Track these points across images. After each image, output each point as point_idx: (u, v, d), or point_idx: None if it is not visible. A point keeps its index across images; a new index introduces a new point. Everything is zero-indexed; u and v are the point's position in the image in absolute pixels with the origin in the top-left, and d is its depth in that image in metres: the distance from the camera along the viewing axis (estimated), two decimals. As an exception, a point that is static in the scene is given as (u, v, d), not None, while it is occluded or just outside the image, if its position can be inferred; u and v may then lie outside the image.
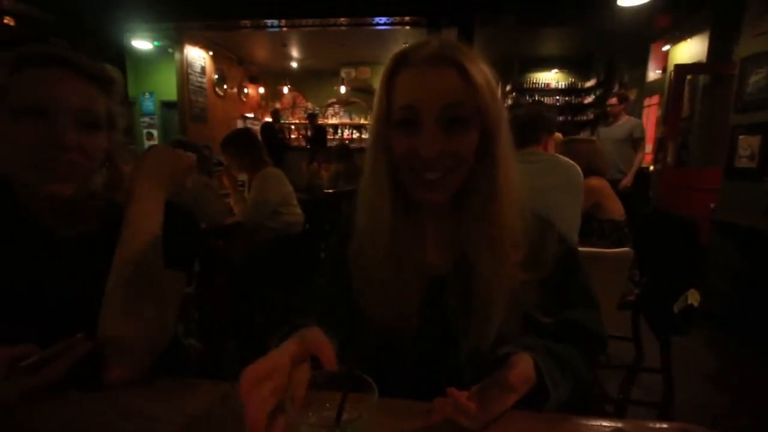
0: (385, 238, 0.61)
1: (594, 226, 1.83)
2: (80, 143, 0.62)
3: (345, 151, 3.88)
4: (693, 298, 1.47)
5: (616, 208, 1.87)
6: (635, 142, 3.81)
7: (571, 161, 1.51)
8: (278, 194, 2.25)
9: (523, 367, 0.51)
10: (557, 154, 1.56)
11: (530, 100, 7.39)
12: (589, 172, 1.68)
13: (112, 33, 4.78)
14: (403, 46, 0.62)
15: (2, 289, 0.61)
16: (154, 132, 7.38)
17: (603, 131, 4.12)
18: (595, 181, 1.84)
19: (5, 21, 4.08)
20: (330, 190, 3.48)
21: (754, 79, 2.81)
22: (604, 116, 5.06)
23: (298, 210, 2.40)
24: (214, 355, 1.03)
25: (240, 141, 2.30)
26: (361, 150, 6.21)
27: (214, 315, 1.05)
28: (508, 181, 0.59)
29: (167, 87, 6.60)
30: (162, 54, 6.60)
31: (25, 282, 0.62)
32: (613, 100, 3.97)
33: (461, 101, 0.55)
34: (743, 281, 2.67)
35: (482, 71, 0.56)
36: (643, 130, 3.87)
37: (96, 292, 0.62)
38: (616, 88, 6.14)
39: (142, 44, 6.20)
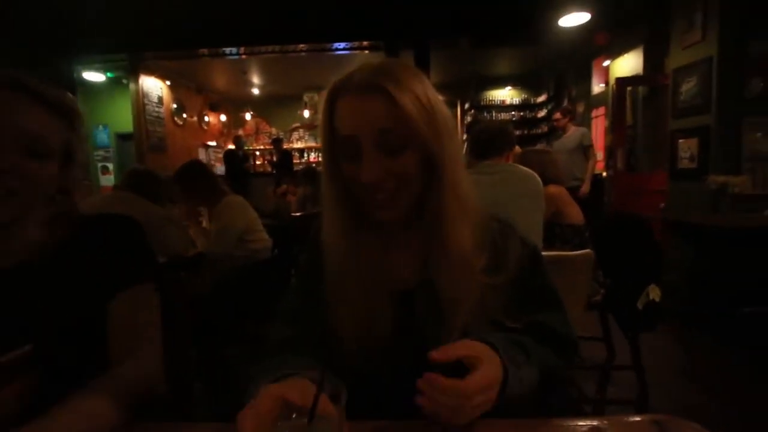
0: (348, 256, 0.62)
1: (556, 232, 1.90)
2: (23, 170, 0.59)
3: (312, 173, 3.86)
4: (654, 293, 1.54)
5: (575, 213, 1.95)
6: (585, 149, 4.08)
7: (529, 170, 1.57)
8: (242, 222, 2.18)
9: (465, 344, 0.52)
10: (516, 164, 1.62)
11: (488, 116, 7.73)
12: (545, 180, 1.76)
13: (62, 65, 4.60)
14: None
15: None
16: (110, 165, 7.08)
17: (556, 144, 4.41)
18: (553, 189, 1.92)
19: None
20: (298, 214, 3.43)
21: (686, 87, 3.08)
22: (554, 130, 5.38)
23: (265, 236, 2.34)
24: (179, 397, 0.96)
25: (192, 174, 2.18)
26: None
27: (179, 353, 0.99)
28: (457, 194, 0.60)
29: (122, 119, 6.38)
30: (115, 85, 6.40)
31: None
32: (557, 115, 4.31)
33: (391, 128, 0.56)
34: (698, 276, 2.83)
35: (413, 95, 0.56)
36: (590, 138, 4.16)
37: (26, 325, 0.59)
38: (565, 102, 6.54)
39: (94, 76, 6.00)
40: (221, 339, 2.17)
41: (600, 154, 5.30)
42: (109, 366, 0.62)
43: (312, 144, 8.60)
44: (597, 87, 5.68)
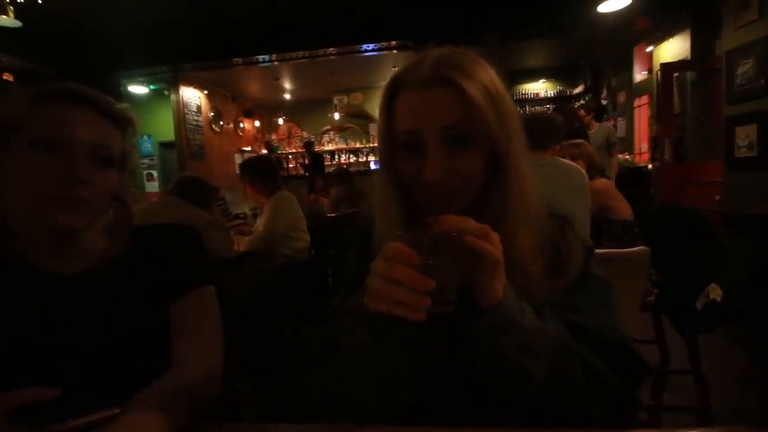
0: None
1: (604, 228, 1.81)
2: (92, 178, 0.62)
3: (344, 174, 3.90)
4: (715, 293, 1.42)
5: (623, 208, 1.85)
6: (610, 146, 3.88)
7: (572, 163, 1.50)
8: (290, 217, 2.32)
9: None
10: (558, 158, 1.55)
11: (521, 111, 7.51)
12: (591, 173, 1.68)
13: (110, 81, 4.91)
14: (393, 69, 0.61)
15: None
16: (154, 173, 7.47)
17: None
18: (599, 183, 1.83)
19: (4, 77, 4.19)
20: (332, 214, 3.47)
21: (742, 69, 2.85)
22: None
23: (306, 236, 2.43)
24: (224, 397, 0.98)
25: (258, 165, 2.44)
26: (360, 173, 6.31)
27: (224, 354, 1.00)
28: (522, 194, 0.57)
29: (164, 128, 6.72)
30: (158, 97, 6.75)
31: (18, 324, 0.60)
32: (581, 112, 4.11)
33: (460, 122, 0.53)
34: (760, 273, 2.61)
35: (482, 86, 0.53)
36: (615, 135, 3.99)
37: (92, 332, 0.61)
38: (604, 93, 6.25)
39: (138, 89, 6.35)
40: (263, 339, 2.22)
41: (644, 146, 5.03)
42: (170, 368, 0.64)
43: (342, 146, 8.70)
44: (639, 75, 5.39)
